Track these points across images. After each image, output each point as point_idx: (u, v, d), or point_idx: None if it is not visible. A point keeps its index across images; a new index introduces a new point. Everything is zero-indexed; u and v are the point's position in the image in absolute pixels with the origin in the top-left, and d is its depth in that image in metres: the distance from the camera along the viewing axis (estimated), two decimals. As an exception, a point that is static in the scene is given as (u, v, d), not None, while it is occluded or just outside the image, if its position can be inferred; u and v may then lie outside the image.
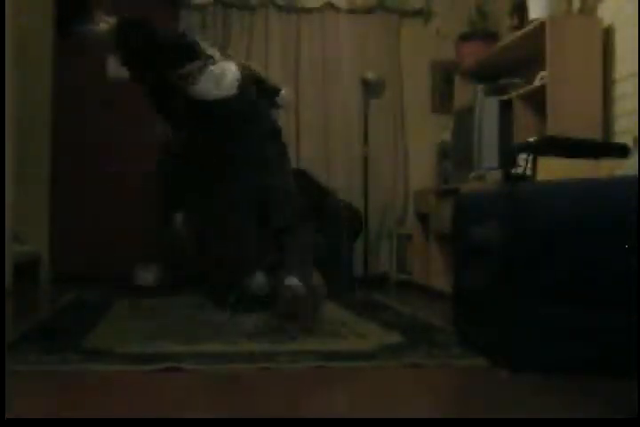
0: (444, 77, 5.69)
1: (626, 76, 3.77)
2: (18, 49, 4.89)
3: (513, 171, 3.24)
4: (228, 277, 3.71)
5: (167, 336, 3.06)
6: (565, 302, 2.38)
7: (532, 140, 3.33)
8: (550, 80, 3.90)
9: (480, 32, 5.17)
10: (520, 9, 4.50)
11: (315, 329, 3.23)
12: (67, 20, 3.47)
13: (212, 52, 3.51)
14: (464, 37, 5.20)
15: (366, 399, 2.21)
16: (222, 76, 3.36)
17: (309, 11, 5.66)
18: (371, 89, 5.30)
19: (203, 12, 5.58)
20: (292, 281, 3.25)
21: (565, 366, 2.38)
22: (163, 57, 3.43)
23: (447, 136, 5.24)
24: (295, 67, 5.66)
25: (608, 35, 3.93)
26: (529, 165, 3.16)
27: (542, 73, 4.05)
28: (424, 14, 5.73)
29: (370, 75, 5.29)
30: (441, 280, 4.70)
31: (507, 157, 3.65)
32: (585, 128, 3.76)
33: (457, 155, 4.90)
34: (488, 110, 4.48)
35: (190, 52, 3.38)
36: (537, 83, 4.12)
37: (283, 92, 3.71)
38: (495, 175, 4.08)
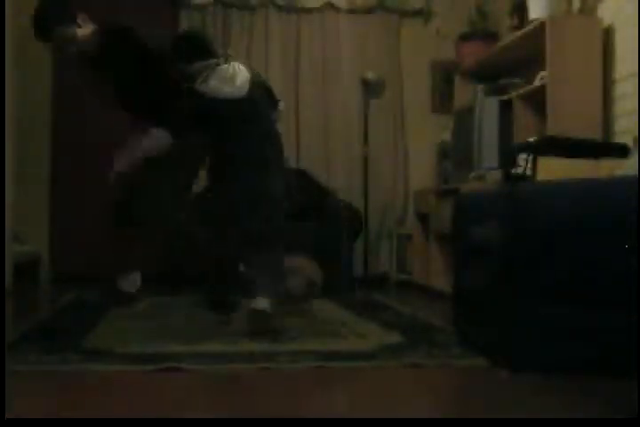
0: (444, 77, 5.69)
1: (626, 76, 3.77)
2: (18, 49, 4.90)
3: (513, 171, 3.24)
4: (228, 277, 3.70)
5: (167, 336, 3.06)
6: (565, 302, 2.38)
7: (531, 140, 3.32)
8: (550, 80, 3.90)
9: (480, 32, 5.17)
10: (520, 9, 4.50)
11: (315, 329, 3.21)
12: (46, 19, 3.43)
13: (223, 52, 3.51)
14: (464, 37, 5.20)
15: (366, 399, 2.21)
16: (235, 75, 3.36)
17: (309, 11, 5.66)
18: (371, 89, 5.29)
19: (203, 12, 5.59)
20: (261, 304, 3.14)
21: (565, 366, 2.38)
22: (161, 61, 3.43)
23: (447, 136, 5.24)
24: (295, 67, 5.66)
25: (608, 35, 3.93)
26: (529, 165, 3.16)
27: (542, 73, 4.05)
28: (424, 14, 5.73)
29: (370, 75, 5.29)
30: (441, 280, 4.70)
31: (507, 157, 3.65)
32: (585, 128, 3.76)
33: (457, 155, 4.90)
34: (488, 110, 4.48)
35: (201, 51, 3.37)
36: (537, 83, 4.12)
37: (282, 103, 3.71)
38: (495, 175, 4.08)
